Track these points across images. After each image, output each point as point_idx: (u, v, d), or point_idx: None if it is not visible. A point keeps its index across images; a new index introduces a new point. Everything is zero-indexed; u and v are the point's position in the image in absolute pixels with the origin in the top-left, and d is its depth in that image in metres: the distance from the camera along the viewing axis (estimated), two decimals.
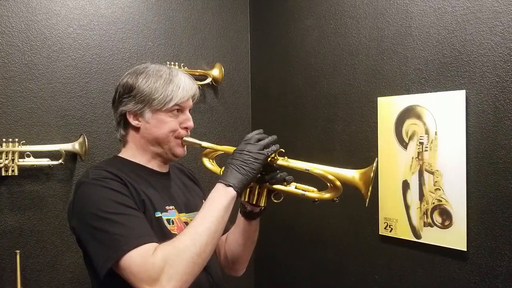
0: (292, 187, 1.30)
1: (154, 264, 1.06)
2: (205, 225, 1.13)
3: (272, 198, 1.34)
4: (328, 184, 1.25)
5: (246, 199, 1.34)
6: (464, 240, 1.69)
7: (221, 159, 1.40)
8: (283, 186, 1.29)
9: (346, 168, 1.27)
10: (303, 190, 1.29)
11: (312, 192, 1.28)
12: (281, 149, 1.28)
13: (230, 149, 1.30)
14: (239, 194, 1.20)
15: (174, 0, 2.47)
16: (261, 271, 2.68)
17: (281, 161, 1.27)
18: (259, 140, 1.25)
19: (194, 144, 1.35)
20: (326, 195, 1.25)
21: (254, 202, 1.33)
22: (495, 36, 1.62)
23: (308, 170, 1.24)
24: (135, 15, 2.34)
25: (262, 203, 1.33)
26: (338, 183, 1.22)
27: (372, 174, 1.19)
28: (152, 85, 1.28)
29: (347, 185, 1.24)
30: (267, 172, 1.28)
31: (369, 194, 1.20)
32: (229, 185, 1.18)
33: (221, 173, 1.24)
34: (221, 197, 1.18)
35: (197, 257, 1.10)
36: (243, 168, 1.20)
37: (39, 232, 2.08)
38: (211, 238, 1.13)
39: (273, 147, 1.25)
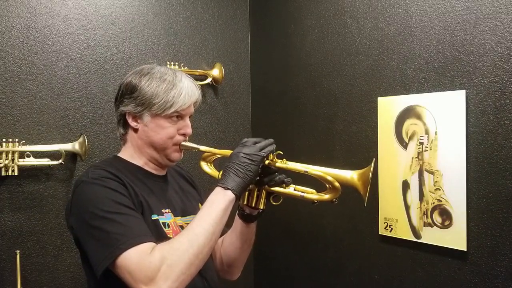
0: (291, 189, 1.30)
1: (151, 264, 1.06)
2: (203, 227, 1.13)
3: (271, 201, 1.34)
4: (327, 185, 1.25)
5: (245, 202, 1.34)
6: (464, 240, 1.69)
7: (220, 163, 1.40)
8: (282, 188, 1.29)
9: (346, 168, 1.27)
10: (302, 191, 1.29)
11: (311, 194, 1.28)
12: (279, 151, 1.28)
13: (228, 152, 1.30)
14: (238, 197, 1.21)
15: (174, 0, 2.47)
16: (260, 271, 2.68)
17: (280, 163, 1.27)
18: (256, 142, 1.25)
19: (192, 149, 1.35)
20: (325, 196, 1.26)
21: (253, 205, 1.33)
22: (495, 36, 1.62)
23: (307, 171, 1.24)
24: (135, 15, 2.34)
25: (261, 206, 1.33)
26: (337, 184, 1.22)
27: (370, 175, 1.20)
28: (154, 89, 1.27)
29: (346, 186, 1.24)
30: (265, 175, 1.28)
31: (367, 194, 1.20)
32: (228, 188, 1.19)
33: (220, 177, 1.25)
34: (219, 200, 1.18)
35: (194, 258, 1.10)
36: (240, 171, 1.20)
37: (39, 232, 2.08)
38: (208, 239, 1.13)
39: (270, 148, 1.25)
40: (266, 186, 1.30)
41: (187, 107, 1.31)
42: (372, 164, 1.20)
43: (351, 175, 1.23)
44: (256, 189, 1.32)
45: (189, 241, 1.11)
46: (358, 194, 1.23)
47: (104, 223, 1.12)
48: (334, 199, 1.25)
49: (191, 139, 1.37)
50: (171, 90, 1.28)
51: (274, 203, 1.33)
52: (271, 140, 1.28)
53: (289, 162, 1.28)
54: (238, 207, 1.39)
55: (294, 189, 1.30)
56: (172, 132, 1.30)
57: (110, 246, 1.09)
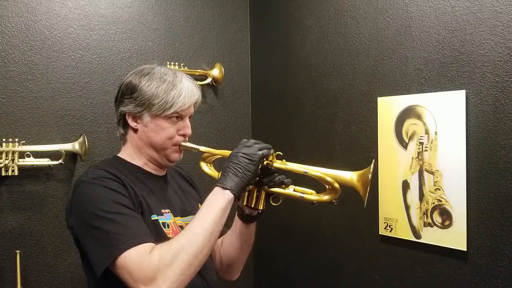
0: (290, 190, 1.30)
1: (151, 264, 1.07)
2: (202, 227, 1.13)
3: (271, 201, 1.34)
4: (327, 186, 1.25)
5: (245, 203, 1.34)
6: (464, 240, 1.69)
7: (220, 163, 1.40)
8: (281, 189, 1.29)
9: (346, 168, 1.27)
10: (301, 192, 1.29)
11: (310, 195, 1.28)
12: (279, 152, 1.28)
13: (227, 153, 1.30)
14: (237, 197, 1.21)
15: (174, 0, 2.47)
16: (260, 271, 2.68)
17: (279, 164, 1.27)
18: (254, 143, 1.25)
19: (191, 149, 1.35)
20: (325, 197, 1.26)
21: (252, 206, 1.33)
22: (495, 36, 1.62)
23: (307, 172, 1.24)
24: (135, 15, 2.34)
25: (261, 207, 1.33)
26: (336, 185, 1.23)
27: (369, 176, 1.20)
28: (154, 89, 1.27)
29: (346, 187, 1.24)
30: (265, 175, 1.28)
31: (367, 195, 1.20)
32: (226, 188, 1.19)
33: (219, 177, 1.25)
34: (218, 200, 1.18)
35: (193, 258, 1.10)
36: (238, 171, 1.20)
37: (39, 232, 2.08)
38: (207, 239, 1.13)
39: (268, 151, 1.25)
40: (266, 186, 1.30)
41: (187, 107, 1.31)
42: (372, 165, 1.20)
43: (351, 176, 1.23)
44: (255, 190, 1.32)
45: (188, 241, 1.11)
46: (358, 195, 1.23)
47: (104, 223, 1.12)
48: (333, 200, 1.25)
49: (190, 139, 1.37)
50: (171, 91, 1.28)
51: (274, 204, 1.33)
52: (269, 145, 1.28)
53: (288, 163, 1.28)
54: (237, 208, 1.39)
55: (294, 190, 1.30)
56: (171, 132, 1.30)
57: (110, 246, 1.09)
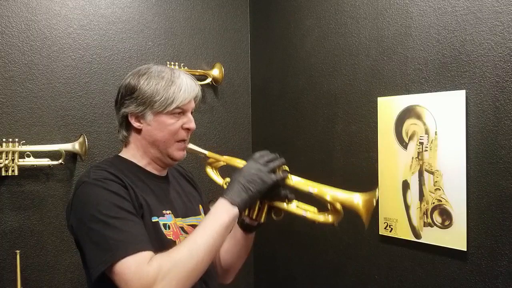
0: (293, 205, 1.28)
1: (149, 273, 1.05)
2: (205, 240, 1.13)
3: (272, 215, 1.32)
4: (329, 205, 1.24)
5: (246, 214, 1.33)
6: (464, 240, 1.69)
7: (224, 169, 1.41)
8: (284, 204, 1.28)
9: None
10: (304, 209, 1.27)
11: (313, 214, 1.26)
12: (286, 167, 1.26)
13: (233, 160, 1.29)
14: (241, 213, 1.20)
15: (174, 0, 2.47)
16: (260, 271, 2.68)
17: (287, 180, 1.25)
18: (267, 162, 1.24)
19: (198, 153, 1.34)
20: (328, 218, 1.24)
21: (253, 217, 1.33)
22: (495, 36, 1.62)
23: (312, 193, 1.22)
24: (135, 15, 2.34)
25: (262, 219, 1.33)
26: (338, 206, 1.21)
27: (374, 201, 1.19)
28: (154, 87, 1.27)
29: (350, 210, 1.23)
30: (269, 189, 1.26)
31: (369, 219, 1.19)
32: (234, 204, 1.18)
33: (226, 186, 1.23)
34: (223, 214, 1.17)
35: (192, 271, 1.09)
36: (250, 189, 1.19)
37: (39, 232, 2.08)
38: (208, 252, 1.12)
39: (284, 174, 1.24)
40: (269, 200, 1.29)
41: (188, 102, 1.30)
42: (377, 193, 1.20)
43: (357, 202, 1.20)
44: (258, 202, 1.31)
45: (189, 251, 1.10)
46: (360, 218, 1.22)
47: (104, 228, 1.10)
48: (335, 223, 1.24)
49: (191, 138, 1.37)
50: (170, 87, 1.27)
51: (275, 218, 1.32)
52: (283, 160, 1.26)
53: (293, 178, 1.26)
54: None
55: (296, 206, 1.28)
56: (175, 128, 1.29)
57: (108, 251, 1.08)
